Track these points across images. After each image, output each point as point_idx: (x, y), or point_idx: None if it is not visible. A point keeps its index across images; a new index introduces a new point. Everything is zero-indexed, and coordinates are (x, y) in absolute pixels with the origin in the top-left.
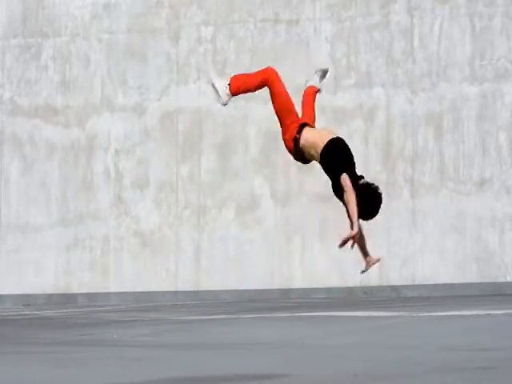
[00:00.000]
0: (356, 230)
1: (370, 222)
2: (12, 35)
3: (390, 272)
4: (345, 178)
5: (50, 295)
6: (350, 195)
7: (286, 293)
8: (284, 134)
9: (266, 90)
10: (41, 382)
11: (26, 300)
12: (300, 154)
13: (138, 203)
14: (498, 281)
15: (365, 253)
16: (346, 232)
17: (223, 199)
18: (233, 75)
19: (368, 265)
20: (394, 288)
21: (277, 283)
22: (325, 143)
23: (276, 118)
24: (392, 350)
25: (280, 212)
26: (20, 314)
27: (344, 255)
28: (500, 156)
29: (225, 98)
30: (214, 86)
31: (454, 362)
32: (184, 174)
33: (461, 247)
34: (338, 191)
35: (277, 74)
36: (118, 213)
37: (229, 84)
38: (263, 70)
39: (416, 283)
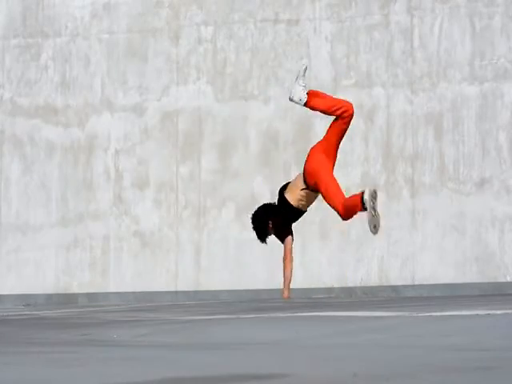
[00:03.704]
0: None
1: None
2: (12, 35)
3: (389, 272)
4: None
5: (50, 295)
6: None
7: None
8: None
9: (265, 91)
10: (41, 382)
11: (26, 300)
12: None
13: (138, 203)
14: (498, 281)
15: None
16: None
17: (223, 199)
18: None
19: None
20: (393, 288)
21: (277, 283)
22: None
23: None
24: (392, 350)
25: None
26: (20, 314)
27: (344, 255)
28: (500, 156)
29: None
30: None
31: (454, 361)
32: (184, 174)
33: (461, 247)
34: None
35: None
36: (118, 213)
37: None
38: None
39: (416, 283)
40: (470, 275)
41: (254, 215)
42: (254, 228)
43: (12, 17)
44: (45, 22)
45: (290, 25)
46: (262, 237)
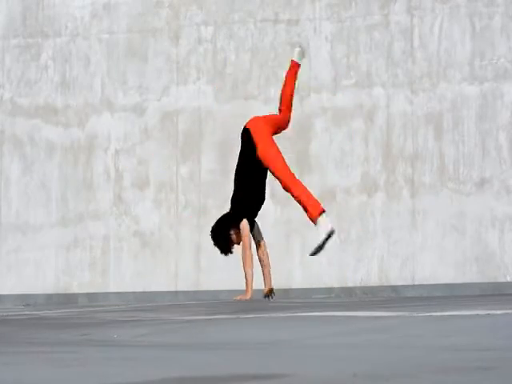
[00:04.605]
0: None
1: (370, 221)
2: (12, 35)
3: (389, 272)
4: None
5: (50, 295)
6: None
7: (285, 293)
8: None
9: (265, 91)
10: (41, 382)
11: (26, 300)
12: None
13: (138, 203)
14: (497, 281)
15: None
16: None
17: (223, 199)
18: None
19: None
20: (393, 288)
21: (276, 283)
22: None
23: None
24: (392, 350)
25: (280, 212)
26: (20, 314)
27: (344, 255)
28: (500, 156)
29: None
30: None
31: (454, 361)
32: (184, 174)
33: (461, 247)
34: None
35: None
36: (118, 213)
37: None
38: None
39: (416, 283)
40: (470, 275)
41: (213, 232)
42: (217, 245)
43: (12, 17)
44: (45, 21)
45: (289, 25)
46: (226, 250)
